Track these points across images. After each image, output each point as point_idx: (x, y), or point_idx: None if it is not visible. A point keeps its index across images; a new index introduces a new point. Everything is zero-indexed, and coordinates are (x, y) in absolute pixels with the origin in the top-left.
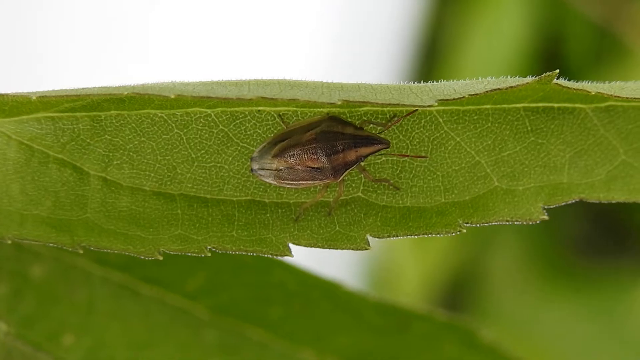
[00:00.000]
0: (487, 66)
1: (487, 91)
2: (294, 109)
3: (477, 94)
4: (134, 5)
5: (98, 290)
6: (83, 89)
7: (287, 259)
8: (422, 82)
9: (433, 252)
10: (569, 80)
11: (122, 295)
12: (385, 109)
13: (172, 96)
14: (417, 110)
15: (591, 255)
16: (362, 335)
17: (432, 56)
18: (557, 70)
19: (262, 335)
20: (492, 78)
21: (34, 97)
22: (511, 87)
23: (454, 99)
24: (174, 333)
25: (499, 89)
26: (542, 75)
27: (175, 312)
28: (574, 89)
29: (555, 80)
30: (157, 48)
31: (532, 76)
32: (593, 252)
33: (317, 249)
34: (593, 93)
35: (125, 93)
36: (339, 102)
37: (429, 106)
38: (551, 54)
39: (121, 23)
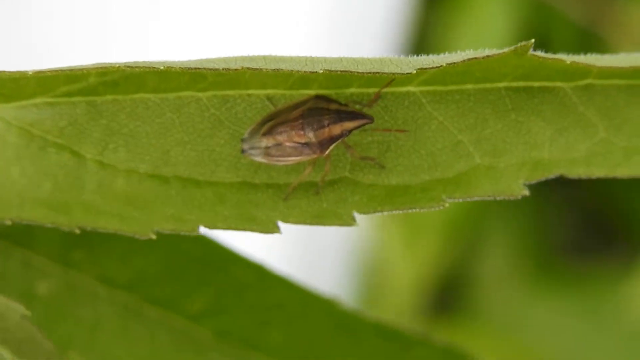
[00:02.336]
0: None
1: (464, 60)
2: (283, 91)
3: (455, 63)
4: None
5: (103, 309)
6: (77, 66)
7: (285, 274)
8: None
9: (423, 253)
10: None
11: (127, 316)
12: (370, 90)
13: (162, 67)
14: (393, 80)
15: (579, 254)
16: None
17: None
18: (532, 40)
19: None
20: (470, 51)
21: (30, 73)
22: (488, 56)
23: (432, 67)
24: (178, 356)
25: (476, 58)
26: (518, 45)
27: (179, 335)
28: (550, 59)
29: (531, 52)
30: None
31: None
32: (580, 251)
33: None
34: (568, 62)
35: (118, 66)
36: (321, 71)
37: (408, 73)
38: None
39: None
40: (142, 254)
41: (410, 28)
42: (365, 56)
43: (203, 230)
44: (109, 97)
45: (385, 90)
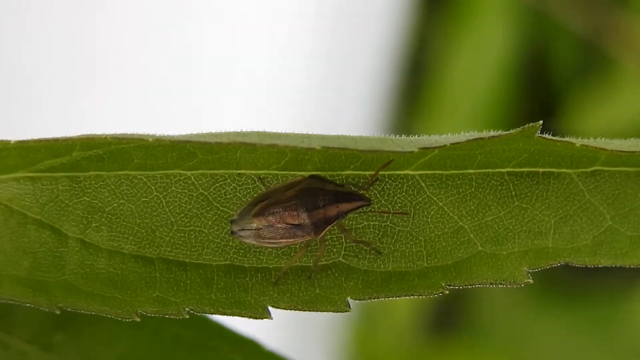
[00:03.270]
0: (473, 80)
1: (468, 140)
2: (275, 172)
3: (459, 143)
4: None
5: None
6: (62, 137)
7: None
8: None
9: None
10: (551, 106)
11: None
12: (367, 172)
13: (151, 140)
14: (392, 160)
15: (580, 269)
16: None
17: (418, 71)
18: (541, 122)
19: None
20: (474, 132)
21: (12, 143)
22: (494, 136)
23: (435, 147)
24: None
25: (481, 138)
26: (525, 127)
27: None
28: (558, 141)
29: (538, 134)
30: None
31: (515, 128)
32: (582, 267)
33: (293, 310)
34: (578, 145)
35: (104, 137)
36: (319, 147)
37: (409, 152)
38: (537, 66)
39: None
40: (127, 337)
41: (409, 38)
42: (364, 134)
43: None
44: (93, 173)
45: (383, 173)
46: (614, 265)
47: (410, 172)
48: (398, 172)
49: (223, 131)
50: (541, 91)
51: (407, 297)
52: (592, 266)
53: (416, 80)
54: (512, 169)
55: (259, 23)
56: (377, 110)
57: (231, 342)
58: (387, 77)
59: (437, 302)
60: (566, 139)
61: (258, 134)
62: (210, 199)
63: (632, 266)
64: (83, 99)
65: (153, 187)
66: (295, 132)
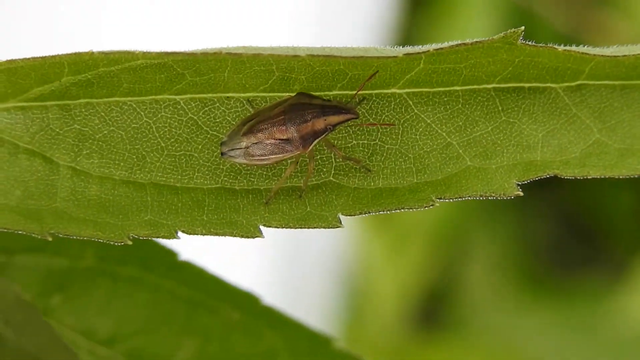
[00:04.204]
0: None
1: (452, 46)
2: (263, 94)
3: (442, 49)
4: None
5: None
6: (51, 55)
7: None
8: None
9: (408, 265)
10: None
11: None
12: (353, 92)
13: (137, 52)
14: (377, 72)
15: (564, 265)
16: None
17: None
18: (522, 28)
19: None
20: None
21: (2, 62)
22: (477, 41)
23: (418, 52)
24: None
25: (464, 43)
26: (507, 32)
27: None
28: (540, 47)
29: (520, 40)
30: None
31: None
32: (566, 261)
33: (285, 228)
34: (561, 50)
35: (92, 52)
36: (304, 55)
37: (393, 57)
38: None
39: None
40: (124, 300)
41: (393, 38)
42: (349, 47)
43: (182, 235)
44: (83, 100)
45: (370, 92)
46: (603, 177)
47: (397, 91)
48: (385, 90)
49: (210, 47)
50: None
51: (396, 210)
52: (582, 177)
53: None
54: (497, 85)
55: (240, 22)
56: None
57: (229, 299)
58: None
59: (423, 298)
60: (549, 45)
61: (244, 47)
62: (199, 123)
63: (620, 177)
64: None
65: (143, 113)
66: None
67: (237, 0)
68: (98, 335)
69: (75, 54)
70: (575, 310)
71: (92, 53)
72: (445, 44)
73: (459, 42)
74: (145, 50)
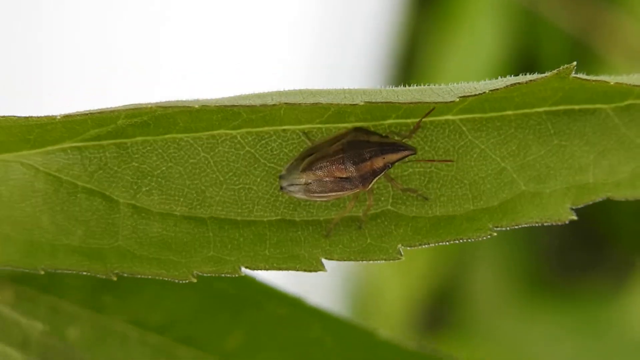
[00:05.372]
0: (465, 80)
1: (507, 86)
2: (319, 125)
3: (497, 89)
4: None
5: (135, 352)
6: (107, 108)
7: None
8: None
9: (414, 272)
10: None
11: (159, 358)
12: (409, 120)
13: (197, 107)
14: (433, 109)
15: (570, 268)
16: None
17: (409, 71)
18: (575, 63)
19: None
20: (511, 76)
21: (59, 117)
22: (531, 80)
23: (474, 94)
24: None
25: (519, 83)
26: (561, 68)
27: None
28: (593, 81)
29: (573, 74)
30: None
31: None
32: (572, 265)
33: (346, 261)
34: (612, 83)
35: (150, 106)
36: (362, 103)
37: (451, 101)
38: (527, 66)
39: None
40: (174, 295)
41: (400, 39)
42: (405, 87)
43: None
44: (139, 138)
45: (424, 119)
46: None
47: (451, 117)
48: (439, 118)
49: (266, 91)
50: None
51: (455, 241)
52: (634, 199)
53: (407, 81)
54: (549, 108)
55: (249, 24)
56: None
57: (275, 297)
58: (378, 78)
59: (429, 302)
60: (600, 77)
61: (301, 92)
62: (257, 156)
63: None
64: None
65: (200, 148)
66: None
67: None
68: (149, 324)
69: (133, 106)
70: (581, 314)
71: (151, 107)
72: (500, 83)
73: (514, 81)
74: (203, 102)
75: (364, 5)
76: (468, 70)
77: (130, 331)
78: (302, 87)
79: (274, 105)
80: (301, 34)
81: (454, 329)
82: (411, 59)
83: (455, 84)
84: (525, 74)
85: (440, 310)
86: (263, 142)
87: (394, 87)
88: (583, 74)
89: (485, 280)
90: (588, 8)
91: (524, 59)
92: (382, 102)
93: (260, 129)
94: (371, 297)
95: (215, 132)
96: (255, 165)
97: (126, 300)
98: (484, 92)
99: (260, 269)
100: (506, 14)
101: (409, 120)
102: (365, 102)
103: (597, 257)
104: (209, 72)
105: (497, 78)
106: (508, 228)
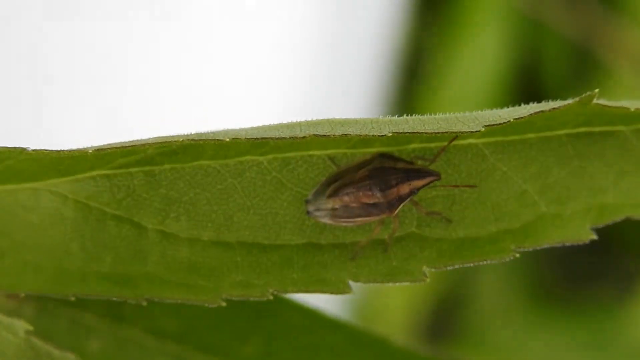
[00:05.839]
0: (468, 88)
1: (531, 114)
2: (344, 150)
3: (521, 118)
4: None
5: None
6: (138, 140)
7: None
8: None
9: None
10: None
11: None
12: (432, 144)
13: (227, 140)
14: (457, 136)
15: (574, 278)
16: None
17: (414, 79)
18: (597, 90)
19: None
20: (534, 104)
21: (90, 151)
22: (554, 108)
23: (499, 123)
24: None
25: (542, 111)
26: (583, 96)
27: None
28: (614, 107)
29: (595, 100)
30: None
31: (571, 99)
32: (576, 274)
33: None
34: (632, 109)
35: (181, 140)
36: (390, 134)
37: (476, 131)
38: (531, 74)
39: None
40: (191, 307)
41: (405, 46)
42: (429, 115)
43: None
44: (167, 166)
45: (447, 143)
46: None
47: (474, 141)
48: (462, 142)
49: (294, 121)
50: (534, 99)
51: (479, 263)
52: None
53: (412, 88)
54: (569, 131)
55: (252, 26)
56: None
57: (292, 306)
58: (383, 85)
59: (432, 312)
60: (620, 103)
61: (329, 122)
62: (283, 181)
63: None
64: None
65: (227, 175)
66: None
67: None
68: (167, 332)
69: (163, 139)
70: (586, 324)
71: (182, 140)
72: (524, 111)
73: (537, 109)
74: (233, 135)
75: (367, 13)
76: (472, 79)
77: (149, 341)
78: (306, 92)
79: (303, 137)
80: (301, 37)
81: (458, 338)
82: (416, 67)
83: (479, 111)
84: (536, 102)
85: (444, 319)
86: (290, 167)
87: (419, 116)
88: (604, 99)
89: (489, 289)
90: (591, 15)
91: (528, 67)
92: (409, 133)
93: (287, 155)
94: (375, 306)
95: (242, 159)
96: (282, 190)
97: (144, 309)
98: (509, 121)
99: (289, 292)
100: (510, 22)
101: (432, 145)
102: (393, 132)
103: (602, 266)
104: (210, 84)
105: (500, 87)
106: (530, 249)
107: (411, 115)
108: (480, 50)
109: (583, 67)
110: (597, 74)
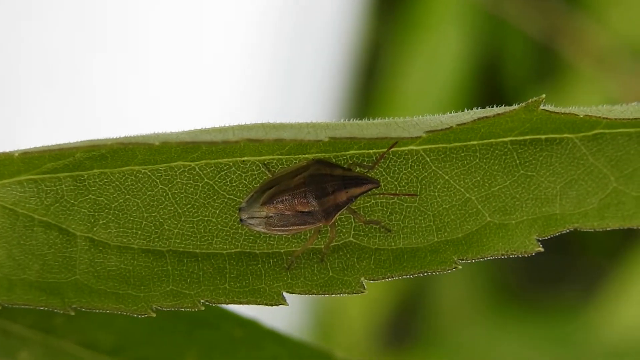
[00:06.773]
0: (427, 87)
1: (474, 120)
2: (279, 156)
3: (464, 124)
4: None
5: None
6: (66, 143)
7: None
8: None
9: (378, 285)
10: (507, 103)
11: None
12: (371, 151)
13: (157, 143)
14: (397, 142)
15: (538, 278)
16: None
17: (371, 77)
18: (544, 96)
19: None
20: (477, 108)
21: (17, 155)
22: (498, 114)
23: (441, 129)
24: None
25: (486, 117)
26: (529, 101)
27: None
28: (562, 114)
29: (542, 107)
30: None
31: (517, 104)
32: (539, 273)
33: (308, 294)
34: (581, 116)
35: (110, 143)
36: (326, 139)
37: (417, 137)
38: (492, 71)
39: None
40: (126, 316)
41: (362, 45)
42: (368, 120)
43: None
44: (96, 171)
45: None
46: (622, 228)
47: (415, 148)
48: (402, 148)
49: (226, 125)
50: (496, 96)
51: (420, 274)
52: (602, 229)
53: (369, 87)
54: (514, 138)
55: (210, 25)
56: (330, 117)
57: (231, 319)
58: (340, 84)
59: (394, 314)
60: (569, 109)
61: (263, 126)
62: (216, 187)
63: (639, 227)
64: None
65: (158, 181)
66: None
67: None
68: (102, 347)
69: (91, 142)
70: (549, 325)
71: (111, 144)
72: (467, 117)
73: (481, 115)
74: (163, 139)
75: (324, 11)
76: (431, 78)
77: (82, 353)
78: (263, 95)
79: (236, 141)
80: (261, 34)
81: (421, 341)
82: (374, 66)
83: (420, 116)
84: (492, 106)
85: (407, 323)
86: (222, 173)
87: (357, 121)
88: (551, 105)
89: (452, 292)
90: (553, 12)
91: (489, 64)
92: (346, 138)
93: (220, 161)
94: (334, 312)
95: (173, 164)
96: (214, 197)
97: (77, 322)
98: (451, 127)
99: (221, 303)
100: (471, 19)
101: (371, 151)
102: (330, 137)
103: (565, 265)
104: (163, 88)
105: (460, 85)
106: (473, 260)
107: (368, 116)
108: (441, 48)
109: (546, 64)
110: (559, 70)
